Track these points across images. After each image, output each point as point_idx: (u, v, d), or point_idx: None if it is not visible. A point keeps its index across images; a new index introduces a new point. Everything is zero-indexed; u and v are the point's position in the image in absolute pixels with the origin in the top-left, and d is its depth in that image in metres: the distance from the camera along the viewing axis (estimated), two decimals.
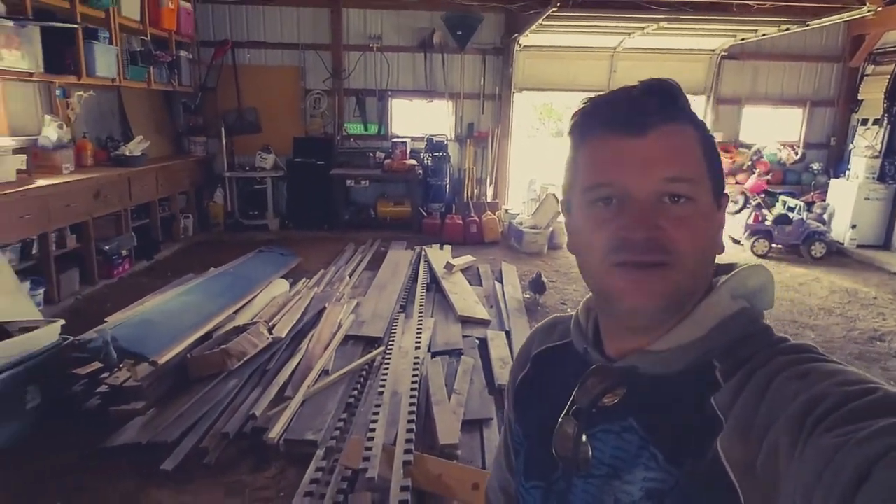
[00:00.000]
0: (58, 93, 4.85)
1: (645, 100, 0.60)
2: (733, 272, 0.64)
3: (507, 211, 7.28)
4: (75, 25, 4.31)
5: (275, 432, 2.61)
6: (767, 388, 0.54)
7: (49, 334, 2.87)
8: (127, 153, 5.27)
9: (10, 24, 3.67)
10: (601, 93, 0.65)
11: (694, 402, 0.58)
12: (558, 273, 5.67)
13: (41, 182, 4.07)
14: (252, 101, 7.22)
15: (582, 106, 0.65)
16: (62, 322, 3.00)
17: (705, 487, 0.54)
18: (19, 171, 4.06)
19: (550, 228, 6.51)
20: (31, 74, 4.00)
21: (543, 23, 5.99)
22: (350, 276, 5.13)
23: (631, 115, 0.60)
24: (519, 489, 0.75)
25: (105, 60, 4.74)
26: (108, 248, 4.94)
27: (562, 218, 0.70)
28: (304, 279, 4.93)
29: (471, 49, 7.23)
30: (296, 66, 7.21)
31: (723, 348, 0.60)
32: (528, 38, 7.05)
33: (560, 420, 0.66)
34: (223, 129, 6.97)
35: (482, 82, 7.43)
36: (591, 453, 0.63)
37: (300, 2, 7.03)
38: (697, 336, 0.61)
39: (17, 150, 4.25)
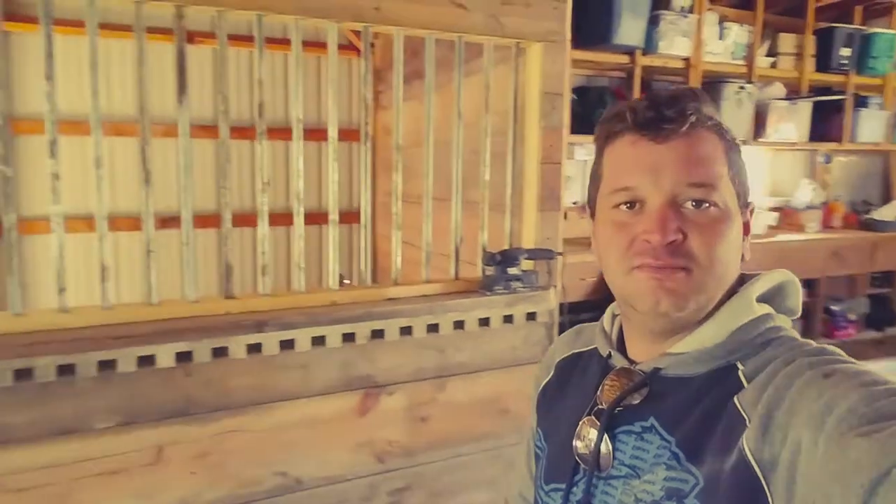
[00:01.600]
0: (821, 159, 5.28)
1: (670, 106, 0.61)
2: (758, 277, 0.65)
3: None
4: (843, 97, 4.61)
5: None
6: (791, 387, 0.53)
7: None
8: (876, 217, 5.11)
9: (785, 103, 4.39)
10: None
11: (717, 402, 0.59)
12: None
13: (781, 237, 4.62)
14: None
15: (609, 111, 0.67)
16: None
17: (729, 486, 0.54)
18: (769, 227, 4.75)
19: None
20: (793, 144, 4.61)
21: None
22: None
23: (656, 121, 0.61)
24: (538, 493, 0.75)
25: (870, 125, 4.80)
26: (836, 308, 4.99)
27: None
28: None
29: None
30: None
31: (745, 351, 0.61)
32: None
33: (582, 421, 0.67)
34: None
35: None
36: (612, 454, 0.63)
37: None
38: (720, 339, 0.62)
39: (772, 209, 4.97)
